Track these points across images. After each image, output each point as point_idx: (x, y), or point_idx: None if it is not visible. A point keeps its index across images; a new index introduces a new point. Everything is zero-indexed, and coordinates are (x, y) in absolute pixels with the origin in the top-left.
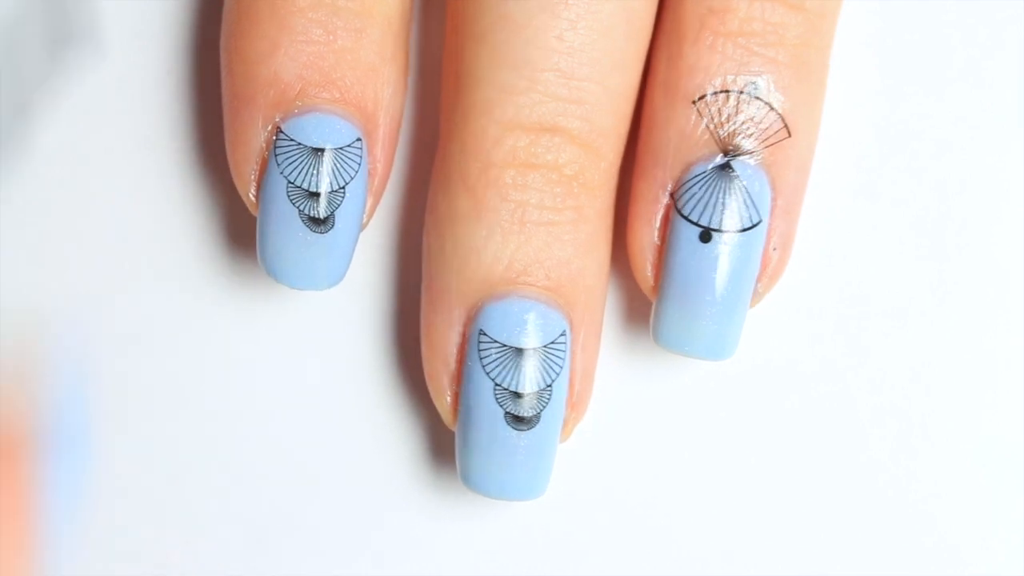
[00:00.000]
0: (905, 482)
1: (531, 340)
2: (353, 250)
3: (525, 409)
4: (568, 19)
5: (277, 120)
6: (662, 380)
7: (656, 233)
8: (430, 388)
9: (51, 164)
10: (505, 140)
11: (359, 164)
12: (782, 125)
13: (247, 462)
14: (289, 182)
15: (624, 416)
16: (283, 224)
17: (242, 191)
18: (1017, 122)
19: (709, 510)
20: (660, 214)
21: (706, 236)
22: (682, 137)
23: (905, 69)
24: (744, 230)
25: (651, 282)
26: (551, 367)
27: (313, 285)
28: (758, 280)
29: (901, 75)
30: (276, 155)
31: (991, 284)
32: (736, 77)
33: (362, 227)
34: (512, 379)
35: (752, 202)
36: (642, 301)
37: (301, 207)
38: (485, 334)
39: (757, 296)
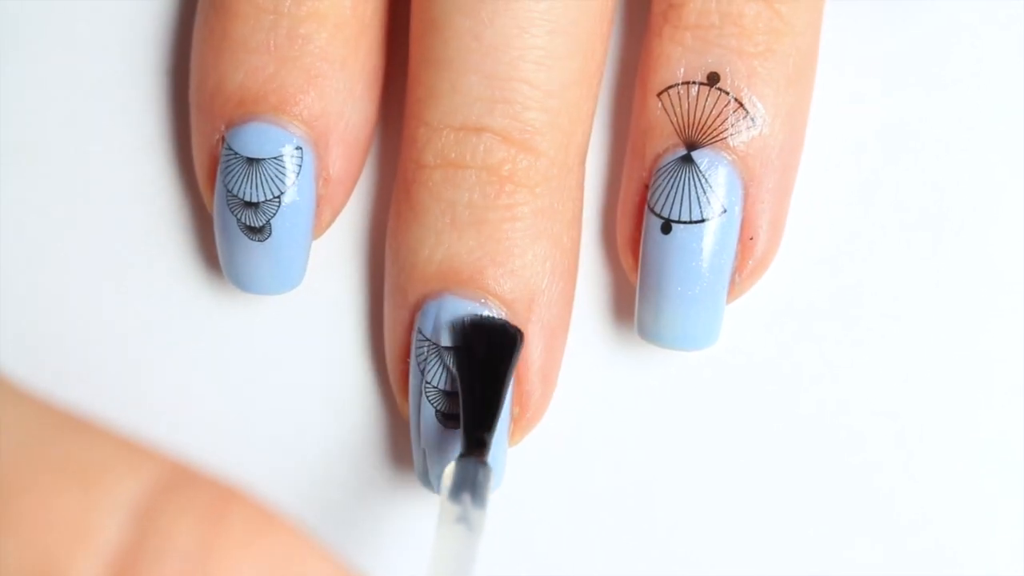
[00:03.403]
0: (901, 481)
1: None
2: (303, 255)
3: (452, 407)
4: (483, 19)
5: (222, 130)
6: (653, 378)
7: (635, 227)
8: (392, 386)
9: (49, 164)
10: (434, 141)
11: (298, 173)
12: (745, 114)
13: (232, 460)
14: (228, 191)
15: (615, 415)
16: (226, 232)
17: (204, 198)
18: (1018, 122)
19: (697, 509)
20: (638, 208)
21: (666, 227)
22: (651, 130)
23: (906, 69)
24: (705, 220)
25: (633, 275)
26: None
27: (264, 290)
28: (737, 271)
29: (902, 75)
30: (221, 164)
31: (991, 283)
32: (697, 68)
33: (318, 232)
34: (441, 378)
35: (713, 192)
36: (627, 297)
37: (239, 216)
38: (420, 333)
39: (738, 287)
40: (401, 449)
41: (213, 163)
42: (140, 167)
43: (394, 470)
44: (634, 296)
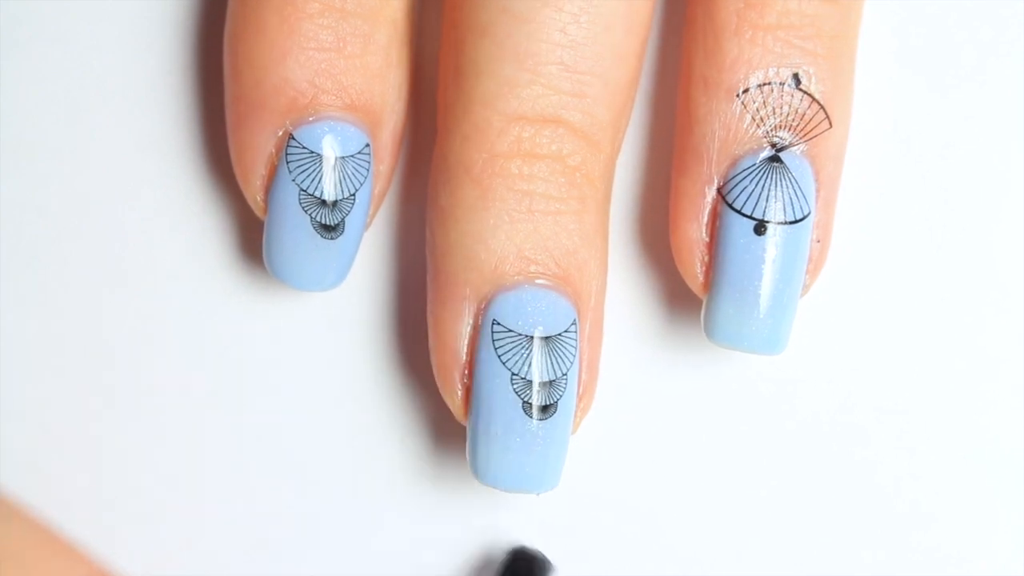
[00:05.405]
0: (908, 482)
1: (546, 328)
2: (356, 252)
3: (545, 398)
4: (571, 13)
5: (288, 127)
6: (675, 376)
7: (704, 229)
8: (439, 382)
9: (52, 165)
10: (509, 131)
11: (368, 170)
12: (824, 116)
13: (254, 459)
14: (301, 190)
15: (633, 413)
16: (294, 230)
17: (249, 195)
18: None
19: (717, 508)
20: (707, 210)
21: (760, 228)
22: (727, 131)
23: (913, 69)
24: (795, 221)
25: (701, 279)
26: (565, 355)
27: (319, 287)
28: (806, 272)
29: (908, 75)
30: (288, 162)
31: (994, 283)
32: (778, 69)
33: (365, 229)
34: (529, 368)
35: (802, 193)
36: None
37: (313, 215)
38: (499, 324)
39: (805, 288)
40: (430, 444)
41: (269, 160)
42: (143, 166)
43: (432, 466)
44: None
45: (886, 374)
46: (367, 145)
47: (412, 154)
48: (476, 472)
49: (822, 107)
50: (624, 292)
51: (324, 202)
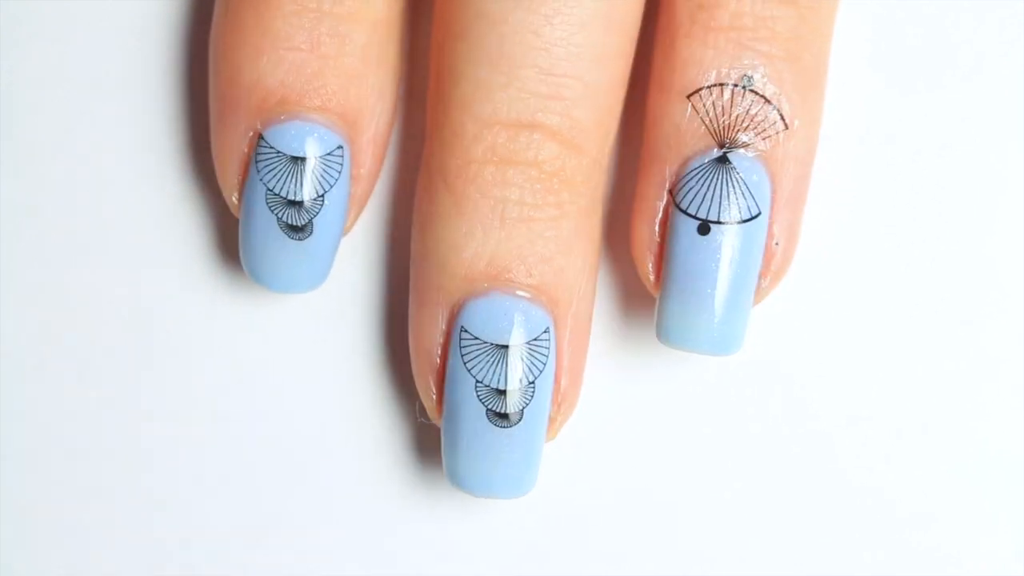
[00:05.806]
0: (907, 483)
1: (513, 337)
2: (334, 255)
3: (508, 406)
4: (544, 14)
5: (258, 127)
6: (659, 379)
7: (656, 229)
8: (417, 385)
9: (50, 165)
10: (484, 136)
11: (340, 172)
12: (778, 118)
13: (237, 459)
14: (268, 190)
15: (620, 416)
16: (262, 230)
17: (225, 195)
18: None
19: (703, 511)
20: (660, 210)
21: (704, 228)
22: (678, 132)
23: (909, 69)
24: (743, 222)
25: (652, 279)
26: (534, 364)
27: (292, 289)
28: (761, 275)
29: (905, 75)
30: (257, 162)
31: (992, 284)
32: (730, 70)
33: (344, 232)
34: (494, 376)
35: (751, 194)
36: (640, 300)
37: (280, 215)
38: (467, 331)
39: (762, 292)
40: (415, 447)
41: (242, 159)
42: (144, 166)
43: (416, 467)
44: (630, 298)
45: (886, 374)
46: (339, 147)
47: (409, 155)
48: (448, 476)
49: (776, 108)
50: (615, 295)
51: (292, 202)
